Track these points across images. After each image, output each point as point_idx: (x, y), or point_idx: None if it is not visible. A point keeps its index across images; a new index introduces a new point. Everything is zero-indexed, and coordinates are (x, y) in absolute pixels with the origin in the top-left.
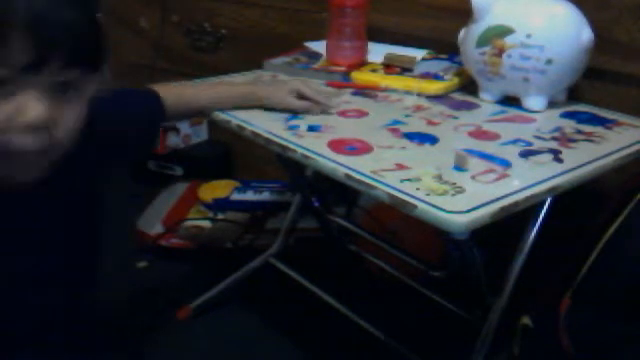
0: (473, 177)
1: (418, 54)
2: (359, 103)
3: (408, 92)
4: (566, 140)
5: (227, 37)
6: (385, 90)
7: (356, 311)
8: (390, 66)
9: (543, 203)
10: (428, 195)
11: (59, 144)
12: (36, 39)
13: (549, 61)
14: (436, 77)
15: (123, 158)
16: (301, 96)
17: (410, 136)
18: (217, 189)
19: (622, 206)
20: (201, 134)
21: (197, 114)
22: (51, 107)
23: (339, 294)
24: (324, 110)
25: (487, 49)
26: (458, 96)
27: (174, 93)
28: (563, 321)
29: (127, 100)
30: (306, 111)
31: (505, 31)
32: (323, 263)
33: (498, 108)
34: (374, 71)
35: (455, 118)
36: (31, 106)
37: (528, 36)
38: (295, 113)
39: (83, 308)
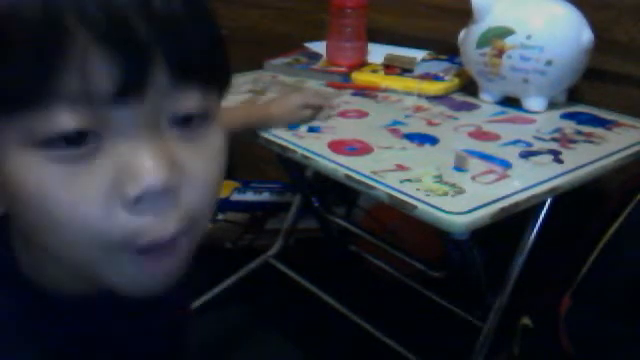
0: (473, 178)
1: (418, 55)
2: (359, 104)
3: (408, 93)
4: (566, 141)
5: (227, 37)
6: (385, 91)
7: (356, 311)
8: (390, 67)
9: (543, 204)
10: (428, 195)
11: (196, 215)
12: (120, 48)
13: (549, 62)
14: (436, 78)
15: None
16: (306, 106)
17: (410, 137)
18: None
19: (622, 206)
20: None
21: None
22: (172, 158)
23: (339, 294)
24: (329, 114)
25: (487, 50)
26: (458, 97)
27: None
28: (563, 321)
29: None
30: (314, 118)
31: (505, 32)
32: (323, 263)
33: (498, 109)
34: (374, 72)
35: (455, 119)
36: (140, 164)
37: (528, 37)
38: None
39: None
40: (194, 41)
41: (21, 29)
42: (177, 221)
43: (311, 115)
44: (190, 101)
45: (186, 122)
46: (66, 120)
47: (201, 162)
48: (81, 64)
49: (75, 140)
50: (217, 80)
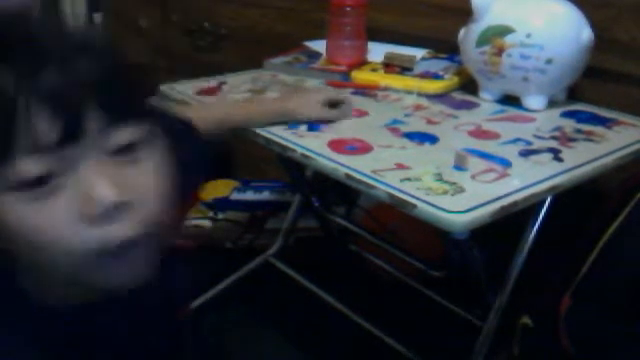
0: (473, 176)
1: (418, 53)
2: (359, 102)
3: (408, 91)
4: (566, 139)
5: (227, 37)
6: (385, 89)
7: (356, 311)
8: (390, 65)
9: (543, 202)
10: (428, 195)
11: (153, 219)
12: (59, 110)
13: (549, 60)
14: (436, 76)
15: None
16: (331, 104)
17: (410, 135)
18: (217, 189)
19: (622, 206)
20: None
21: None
22: (122, 180)
23: (339, 294)
24: (349, 110)
25: (487, 48)
26: (458, 95)
27: (203, 117)
28: (563, 321)
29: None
30: (338, 118)
31: (505, 30)
32: (323, 263)
33: (498, 107)
34: (374, 70)
35: (455, 117)
36: (92, 190)
37: (528, 35)
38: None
39: None
40: (118, 98)
41: None
42: (135, 225)
43: (333, 116)
44: (124, 135)
45: (127, 149)
46: (28, 168)
47: (146, 178)
48: (31, 125)
49: (39, 182)
50: (143, 117)
